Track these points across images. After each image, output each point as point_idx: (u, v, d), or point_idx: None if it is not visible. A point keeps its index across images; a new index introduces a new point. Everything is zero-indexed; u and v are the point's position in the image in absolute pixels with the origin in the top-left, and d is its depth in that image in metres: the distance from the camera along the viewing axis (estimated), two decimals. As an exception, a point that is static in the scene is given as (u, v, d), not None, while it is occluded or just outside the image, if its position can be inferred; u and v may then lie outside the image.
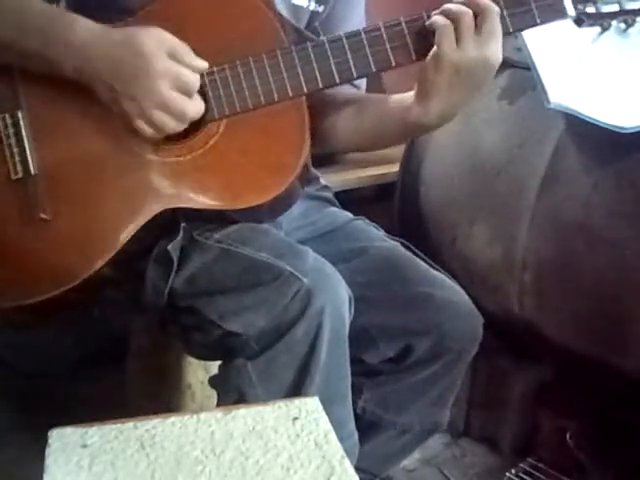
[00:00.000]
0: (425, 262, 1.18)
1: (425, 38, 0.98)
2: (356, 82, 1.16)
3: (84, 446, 0.75)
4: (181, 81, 0.93)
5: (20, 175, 0.97)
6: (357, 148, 1.27)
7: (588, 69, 1.32)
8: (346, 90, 1.15)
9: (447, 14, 0.96)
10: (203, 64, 0.96)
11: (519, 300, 1.44)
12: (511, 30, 0.99)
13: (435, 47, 0.96)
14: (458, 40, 0.95)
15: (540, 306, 1.42)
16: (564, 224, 1.37)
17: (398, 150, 1.68)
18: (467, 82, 0.97)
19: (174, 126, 0.95)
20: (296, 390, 0.95)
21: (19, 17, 0.94)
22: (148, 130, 0.95)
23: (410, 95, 1.02)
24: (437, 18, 0.96)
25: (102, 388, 1.54)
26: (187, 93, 0.94)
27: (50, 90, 0.97)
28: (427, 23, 0.97)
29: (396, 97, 1.06)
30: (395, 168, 1.71)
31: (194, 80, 0.95)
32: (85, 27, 0.94)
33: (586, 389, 1.44)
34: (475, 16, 0.95)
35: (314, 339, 0.95)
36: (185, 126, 0.96)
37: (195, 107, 0.96)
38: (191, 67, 0.94)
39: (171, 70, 0.93)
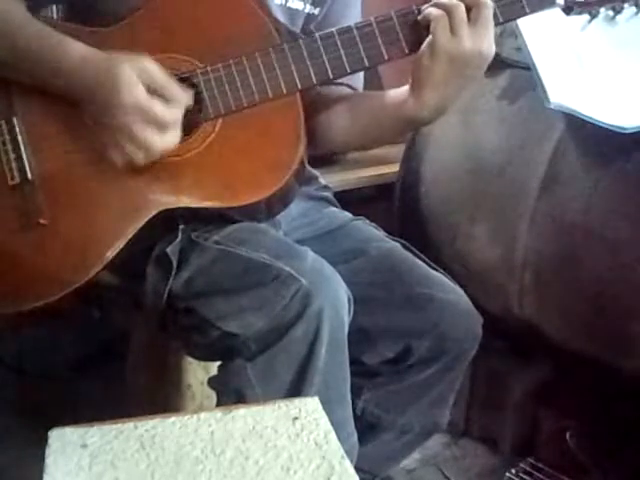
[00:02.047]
0: (425, 263, 1.18)
1: (417, 31, 0.99)
2: (353, 83, 1.17)
3: (84, 446, 0.75)
4: (152, 115, 0.93)
5: (17, 181, 0.98)
6: (354, 146, 1.28)
7: (588, 69, 1.32)
8: (342, 90, 1.15)
9: (440, 6, 0.96)
10: (186, 98, 0.96)
11: (519, 300, 1.44)
12: (501, 20, 1.00)
13: (430, 36, 0.96)
14: (452, 30, 0.95)
15: (540, 306, 1.42)
16: (564, 224, 1.37)
17: (398, 150, 1.68)
18: (461, 73, 0.98)
19: (142, 158, 0.95)
20: (295, 391, 0.95)
21: (13, 40, 0.95)
22: (119, 160, 0.96)
23: (404, 90, 1.03)
24: (431, 9, 0.97)
25: (102, 388, 1.54)
26: (159, 127, 0.94)
27: (45, 96, 0.97)
28: (420, 16, 0.98)
29: (390, 92, 1.06)
30: (395, 168, 1.71)
31: (167, 114, 0.94)
32: (74, 52, 0.94)
33: (586, 389, 1.44)
34: (469, 9, 0.96)
35: (313, 340, 0.94)
36: (155, 159, 0.96)
37: (164, 142, 0.95)
38: (170, 101, 0.94)
39: (142, 104, 0.92)
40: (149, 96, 0.93)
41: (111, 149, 0.95)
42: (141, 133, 0.93)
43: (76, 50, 0.95)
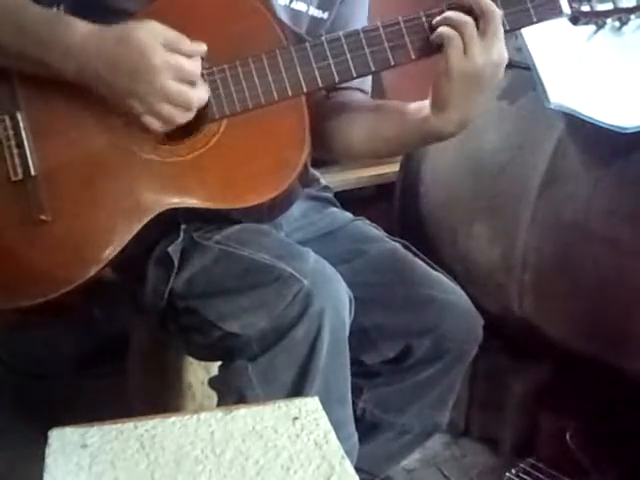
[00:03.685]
0: (425, 263, 1.18)
1: (423, 37, 0.99)
2: (363, 86, 1.17)
3: (84, 446, 0.75)
4: (181, 71, 0.93)
5: (20, 176, 0.97)
6: (374, 155, 1.28)
7: (588, 69, 1.32)
8: (358, 96, 1.15)
9: (450, 23, 0.96)
10: (201, 47, 0.96)
11: (519, 300, 1.44)
12: (508, 29, 0.99)
13: (444, 61, 0.96)
14: (465, 48, 0.95)
15: (540, 306, 1.42)
16: (564, 224, 1.37)
17: (398, 150, 1.68)
18: (477, 86, 0.97)
19: (182, 116, 0.95)
20: (296, 391, 0.95)
21: (17, 23, 0.95)
22: (157, 124, 0.95)
23: (425, 105, 1.02)
24: (443, 30, 0.96)
25: (102, 388, 1.54)
26: (189, 82, 0.94)
27: (49, 91, 0.97)
28: (433, 36, 0.98)
29: (413, 106, 1.05)
30: (395, 168, 1.71)
31: (194, 67, 0.95)
32: (81, 29, 0.94)
33: (586, 389, 1.44)
34: (476, 19, 0.96)
35: (314, 340, 0.94)
36: (193, 115, 0.96)
37: (199, 94, 0.96)
38: (189, 54, 0.95)
39: (170, 62, 0.93)
40: (172, 53, 0.93)
41: (144, 115, 0.95)
42: (177, 90, 0.93)
43: (81, 26, 0.94)
